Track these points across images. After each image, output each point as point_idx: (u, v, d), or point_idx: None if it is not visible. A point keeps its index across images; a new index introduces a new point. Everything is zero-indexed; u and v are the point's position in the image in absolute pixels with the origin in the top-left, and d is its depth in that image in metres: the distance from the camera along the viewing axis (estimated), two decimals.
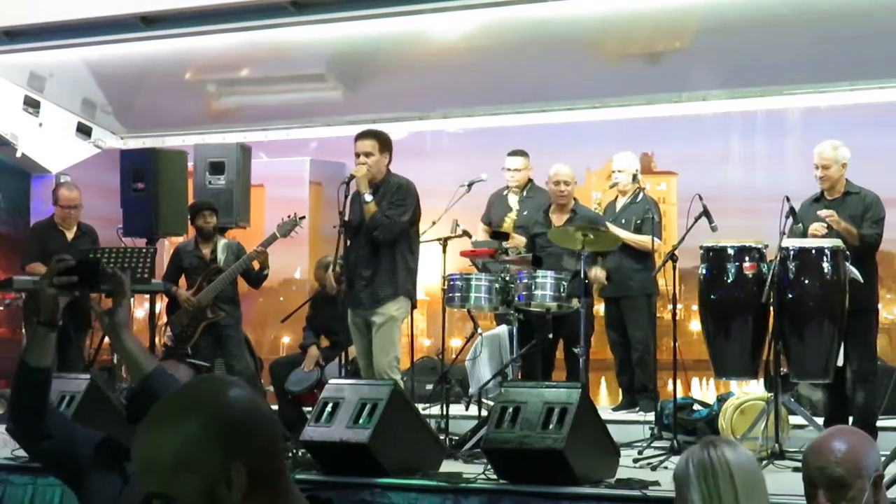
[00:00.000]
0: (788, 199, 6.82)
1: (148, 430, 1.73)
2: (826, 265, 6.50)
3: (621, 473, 5.96)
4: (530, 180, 8.82)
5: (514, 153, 8.83)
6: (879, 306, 7.46)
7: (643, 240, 8.08)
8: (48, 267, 2.97)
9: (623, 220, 8.34)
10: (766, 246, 6.72)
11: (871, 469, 2.78)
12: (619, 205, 8.51)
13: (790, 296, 6.51)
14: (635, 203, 8.33)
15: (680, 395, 7.46)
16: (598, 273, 7.91)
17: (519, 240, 8.27)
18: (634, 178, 8.43)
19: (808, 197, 7.17)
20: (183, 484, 1.69)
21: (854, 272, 6.61)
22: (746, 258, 6.65)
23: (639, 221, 8.24)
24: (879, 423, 6.81)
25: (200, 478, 1.69)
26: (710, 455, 2.70)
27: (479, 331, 8.33)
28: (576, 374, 7.65)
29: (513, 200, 8.80)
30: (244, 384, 1.85)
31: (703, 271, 6.81)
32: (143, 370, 2.88)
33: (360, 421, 6.02)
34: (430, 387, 8.67)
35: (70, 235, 8.91)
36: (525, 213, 8.66)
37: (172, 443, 1.70)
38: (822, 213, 6.84)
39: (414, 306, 7.42)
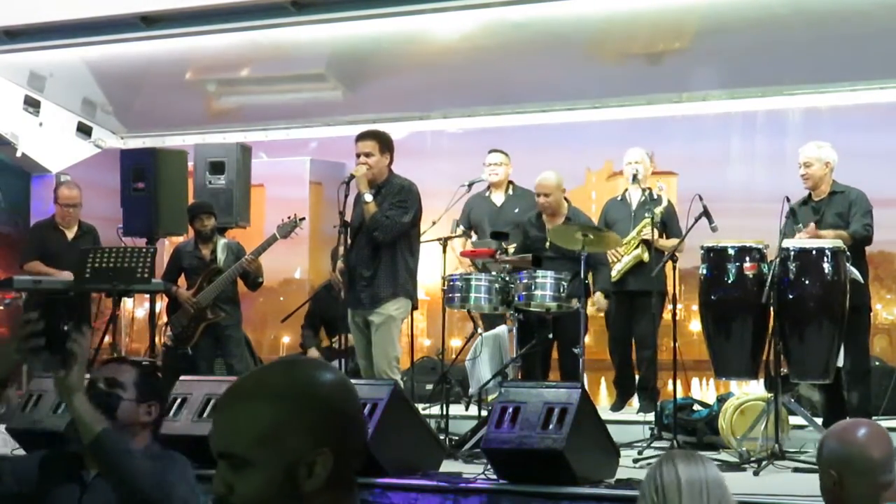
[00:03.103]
0: (788, 200, 6.84)
1: (244, 396, 1.74)
2: (826, 265, 6.50)
3: (621, 473, 5.96)
4: (511, 181, 8.80)
5: (493, 151, 8.83)
6: (879, 306, 7.47)
7: (674, 243, 7.97)
8: (19, 330, 2.94)
9: (646, 216, 8.30)
10: (767, 246, 6.72)
11: None
12: (633, 200, 8.43)
13: (790, 296, 6.51)
14: (653, 199, 8.28)
15: (680, 395, 7.46)
16: (601, 301, 8.01)
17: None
18: (635, 177, 8.41)
19: (798, 199, 7.18)
20: (265, 455, 1.71)
21: (854, 272, 6.62)
22: (747, 258, 6.65)
23: (665, 219, 8.20)
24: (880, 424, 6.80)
25: (284, 455, 1.71)
26: (661, 471, 2.80)
27: (479, 331, 8.33)
28: (572, 374, 7.65)
29: (497, 199, 8.77)
30: (340, 373, 1.84)
31: (704, 271, 6.81)
32: (93, 431, 3.06)
33: None
34: (430, 387, 8.68)
35: (70, 235, 8.92)
36: (516, 210, 8.63)
37: (265, 416, 1.72)
38: (803, 233, 6.83)
39: (415, 307, 7.41)
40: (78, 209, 8.96)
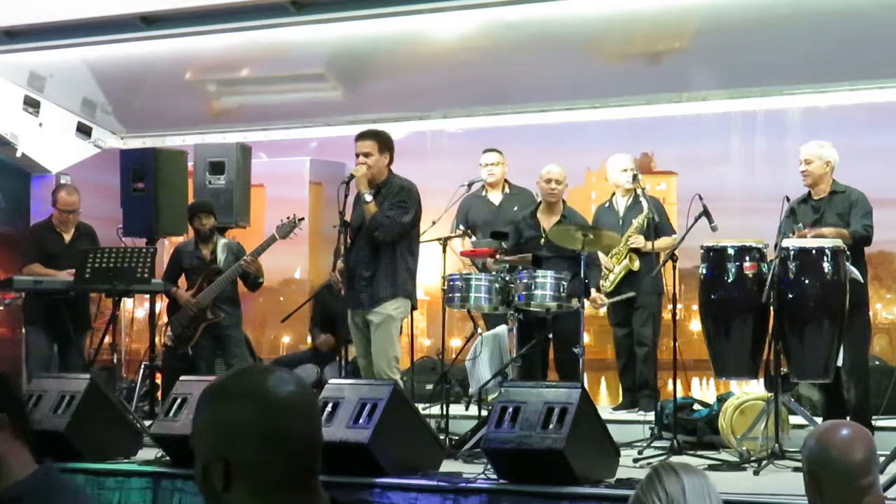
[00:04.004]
0: (788, 199, 6.84)
1: (200, 401, 1.95)
2: (826, 265, 6.50)
3: (621, 473, 5.96)
4: (506, 180, 8.80)
5: (488, 150, 8.83)
6: (879, 306, 7.47)
7: (668, 242, 7.98)
8: None
9: (633, 222, 8.32)
10: (766, 246, 6.72)
11: None
12: (620, 207, 8.47)
13: (790, 296, 6.51)
14: (639, 204, 8.30)
15: (680, 395, 7.47)
16: (601, 299, 7.99)
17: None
18: (635, 178, 8.42)
19: (797, 197, 7.18)
20: (197, 448, 1.91)
21: (854, 272, 6.62)
22: (747, 258, 6.66)
23: (647, 220, 8.20)
24: (880, 423, 6.82)
25: (200, 453, 1.90)
26: (663, 481, 2.76)
27: (479, 331, 8.33)
28: (572, 374, 7.65)
29: (495, 198, 8.78)
30: (287, 384, 1.89)
31: (704, 271, 6.81)
32: None
33: (360, 421, 6.02)
34: (430, 387, 8.68)
35: (68, 237, 8.87)
36: (514, 208, 8.64)
37: (201, 415, 1.91)
38: (805, 234, 6.82)
39: (414, 307, 7.41)
40: (77, 214, 8.88)
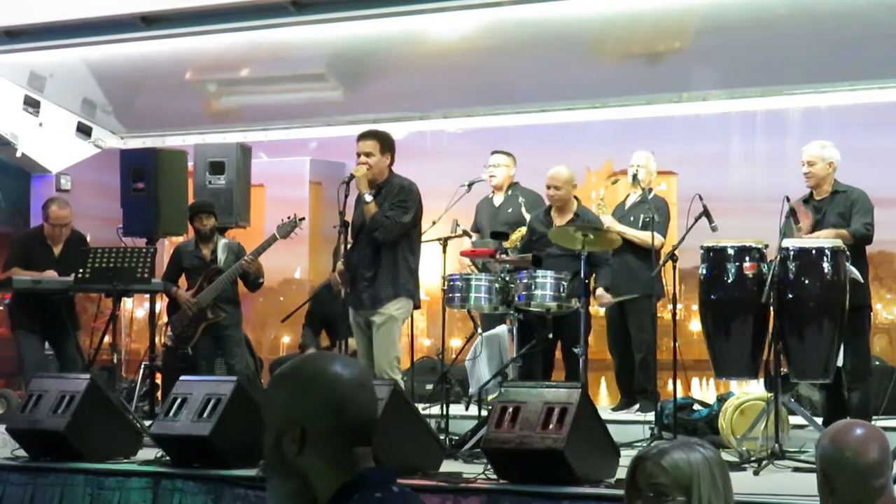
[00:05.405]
0: (788, 199, 6.83)
1: (276, 375, 2.26)
2: (826, 265, 6.50)
3: (621, 473, 5.92)
4: (516, 182, 8.79)
5: (496, 152, 8.83)
6: (879, 306, 7.46)
7: (644, 236, 7.99)
8: None
9: (632, 218, 8.32)
10: (767, 246, 6.72)
11: None
12: (627, 203, 8.49)
13: (790, 296, 6.51)
14: (645, 202, 8.30)
15: (680, 395, 7.47)
16: (605, 297, 7.96)
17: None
18: (635, 178, 8.42)
19: (799, 197, 7.19)
20: (269, 419, 2.23)
21: (854, 272, 6.62)
22: (746, 258, 6.65)
23: (647, 219, 8.20)
24: (880, 423, 6.80)
25: (274, 423, 2.21)
26: (714, 452, 2.69)
27: (479, 331, 8.33)
28: (575, 374, 7.65)
29: (497, 200, 8.78)
30: (351, 367, 2.23)
31: (704, 271, 6.81)
32: None
33: None
34: (430, 387, 8.68)
35: (57, 251, 8.74)
36: (509, 210, 8.64)
37: (274, 391, 2.24)
38: (806, 238, 6.84)
39: (417, 306, 7.41)
40: (68, 227, 8.78)
